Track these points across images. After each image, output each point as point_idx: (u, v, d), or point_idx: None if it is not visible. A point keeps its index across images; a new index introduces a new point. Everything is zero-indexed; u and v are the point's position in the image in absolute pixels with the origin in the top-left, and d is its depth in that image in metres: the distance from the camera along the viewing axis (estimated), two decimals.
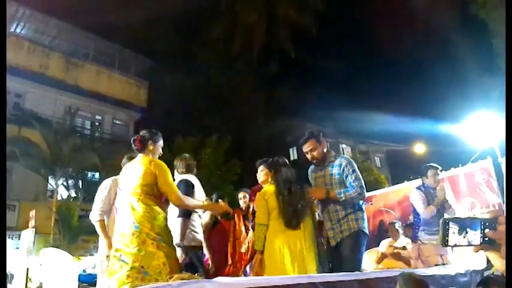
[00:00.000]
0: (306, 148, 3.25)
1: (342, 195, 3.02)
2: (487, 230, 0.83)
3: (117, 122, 19.11)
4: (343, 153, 25.81)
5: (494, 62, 10.36)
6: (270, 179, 3.38)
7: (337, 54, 26.49)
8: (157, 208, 2.65)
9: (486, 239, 0.84)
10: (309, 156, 3.26)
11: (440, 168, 4.52)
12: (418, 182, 4.95)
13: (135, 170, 2.72)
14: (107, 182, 3.58)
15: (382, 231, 6.59)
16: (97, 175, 15.44)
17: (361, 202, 3.17)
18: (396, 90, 26.30)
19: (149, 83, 19.84)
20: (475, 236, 0.84)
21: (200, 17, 21.42)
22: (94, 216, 3.42)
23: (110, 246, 3.13)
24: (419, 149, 15.57)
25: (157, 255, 2.46)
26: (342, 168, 3.13)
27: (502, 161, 5.46)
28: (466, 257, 4.99)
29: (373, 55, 27.48)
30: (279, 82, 22.19)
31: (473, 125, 6.36)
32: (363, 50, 27.13)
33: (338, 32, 24.81)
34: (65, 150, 13.26)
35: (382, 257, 5.03)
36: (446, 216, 0.86)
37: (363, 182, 3.05)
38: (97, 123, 17.51)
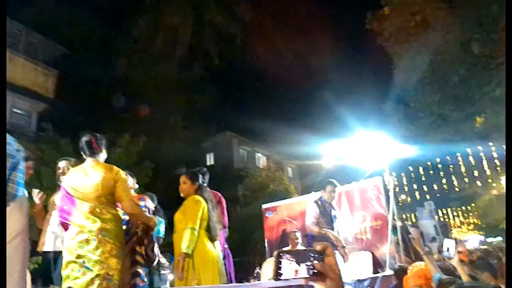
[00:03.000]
0: None
1: None
2: (315, 262, 0.85)
3: (17, 111, 17.16)
4: (259, 162, 26.52)
5: (393, 92, 11.65)
6: (193, 192, 3.36)
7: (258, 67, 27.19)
8: (119, 218, 2.75)
9: (315, 271, 0.84)
10: None
11: (337, 185, 4.89)
12: (317, 194, 5.29)
13: (93, 177, 2.70)
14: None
15: (285, 240, 6.90)
16: None
17: None
18: (309, 108, 27.81)
19: (59, 72, 18.24)
20: (305, 268, 0.85)
21: (124, 11, 20.45)
22: None
23: None
24: (326, 163, 16.60)
25: (120, 262, 2.61)
26: None
27: (390, 180, 6.15)
28: (355, 267, 5.47)
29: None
30: (202, 87, 22.06)
31: (371, 145, 6.95)
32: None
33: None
34: None
35: None
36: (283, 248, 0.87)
37: None
38: None
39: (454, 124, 10.49)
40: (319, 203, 4.66)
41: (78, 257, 2.54)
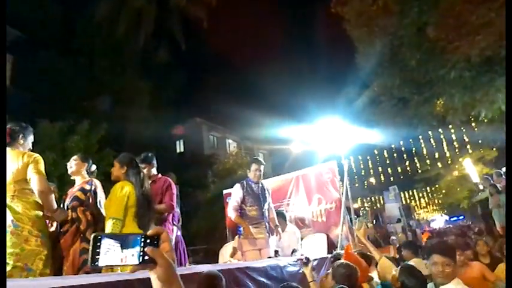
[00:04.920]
0: None
1: None
2: (147, 248, 0.77)
3: None
4: (229, 148, 26.44)
5: (357, 76, 11.75)
6: (122, 176, 3.20)
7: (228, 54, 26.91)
8: (36, 203, 2.63)
9: (146, 257, 0.76)
10: None
11: (263, 163, 4.86)
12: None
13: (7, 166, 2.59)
14: None
15: None
16: None
17: None
18: (278, 93, 28.00)
19: (14, 58, 17.30)
20: (133, 254, 0.76)
21: None
22: None
23: None
24: (295, 148, 16.79)
25: (40, 251, 2.50)
26: None
27: (345, 163, 6.21)
28: (311, 248, 5.53)
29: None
30: (170, 73, 21.56)
31: (336, 130, 6.93)
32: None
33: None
34: None
35: (234, 251, 5.22)
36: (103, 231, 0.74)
37: None
38: None
39: (415, 107, 10.68)
40: (245, 183, 4.66)
41: None
